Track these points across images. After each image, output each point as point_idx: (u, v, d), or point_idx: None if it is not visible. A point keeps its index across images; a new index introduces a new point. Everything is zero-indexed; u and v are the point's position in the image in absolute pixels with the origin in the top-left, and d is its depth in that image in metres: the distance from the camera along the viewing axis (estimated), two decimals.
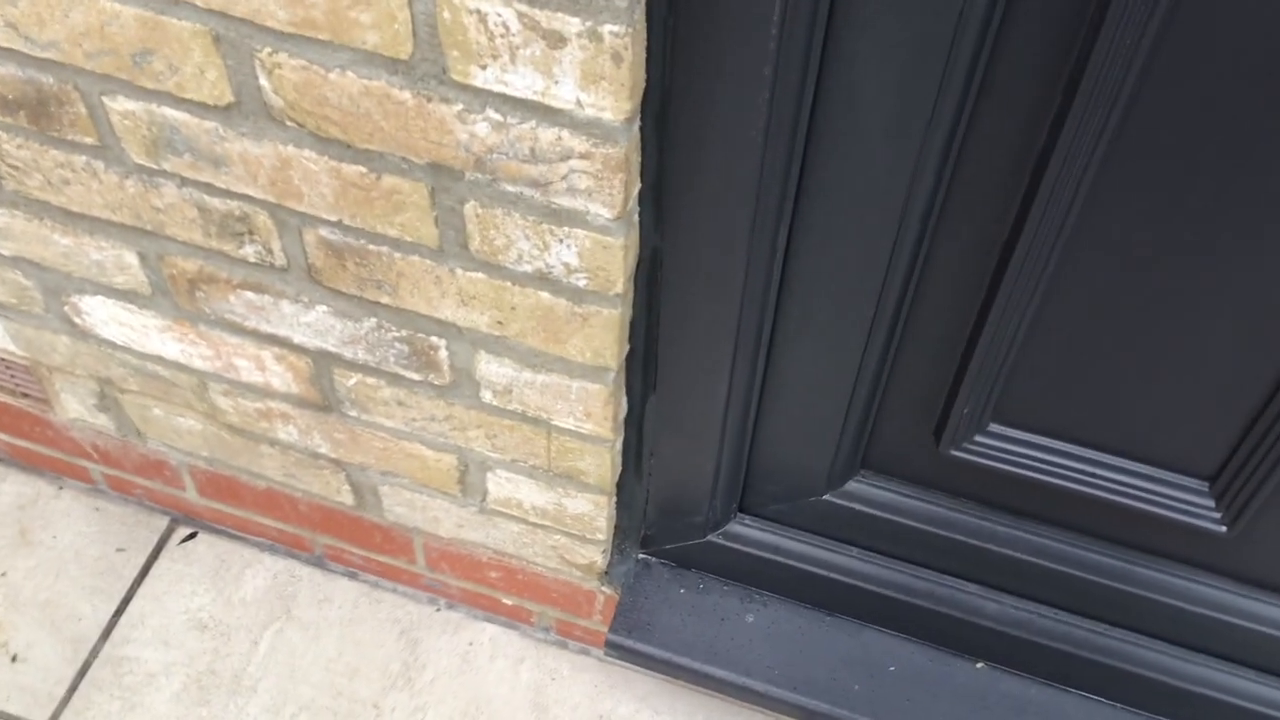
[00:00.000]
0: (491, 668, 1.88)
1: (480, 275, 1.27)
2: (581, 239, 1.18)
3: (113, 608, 1.92)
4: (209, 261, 1.40)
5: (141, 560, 1.97)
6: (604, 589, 1.75)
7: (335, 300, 1.38)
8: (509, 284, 1.26)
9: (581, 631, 1.88)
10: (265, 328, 1.47)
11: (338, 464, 1.70)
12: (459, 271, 1.27)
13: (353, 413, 1.57)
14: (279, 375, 1.55)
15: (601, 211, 1.14)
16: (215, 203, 1.31)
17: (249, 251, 1.36)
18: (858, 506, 1.53)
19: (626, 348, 1.34)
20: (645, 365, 1.41)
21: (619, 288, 1.22)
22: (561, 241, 1.19)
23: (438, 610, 1.94)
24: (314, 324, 1.43)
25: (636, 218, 1.19)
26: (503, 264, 1.24)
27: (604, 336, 1.28)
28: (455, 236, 1.23)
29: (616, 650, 1.67)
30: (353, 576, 1.96)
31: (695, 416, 1.43)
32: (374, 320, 1.39)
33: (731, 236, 1.18)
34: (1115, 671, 1.56)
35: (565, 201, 1.14)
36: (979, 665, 1.64)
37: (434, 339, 1.38)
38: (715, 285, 1.24)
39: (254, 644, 1.89)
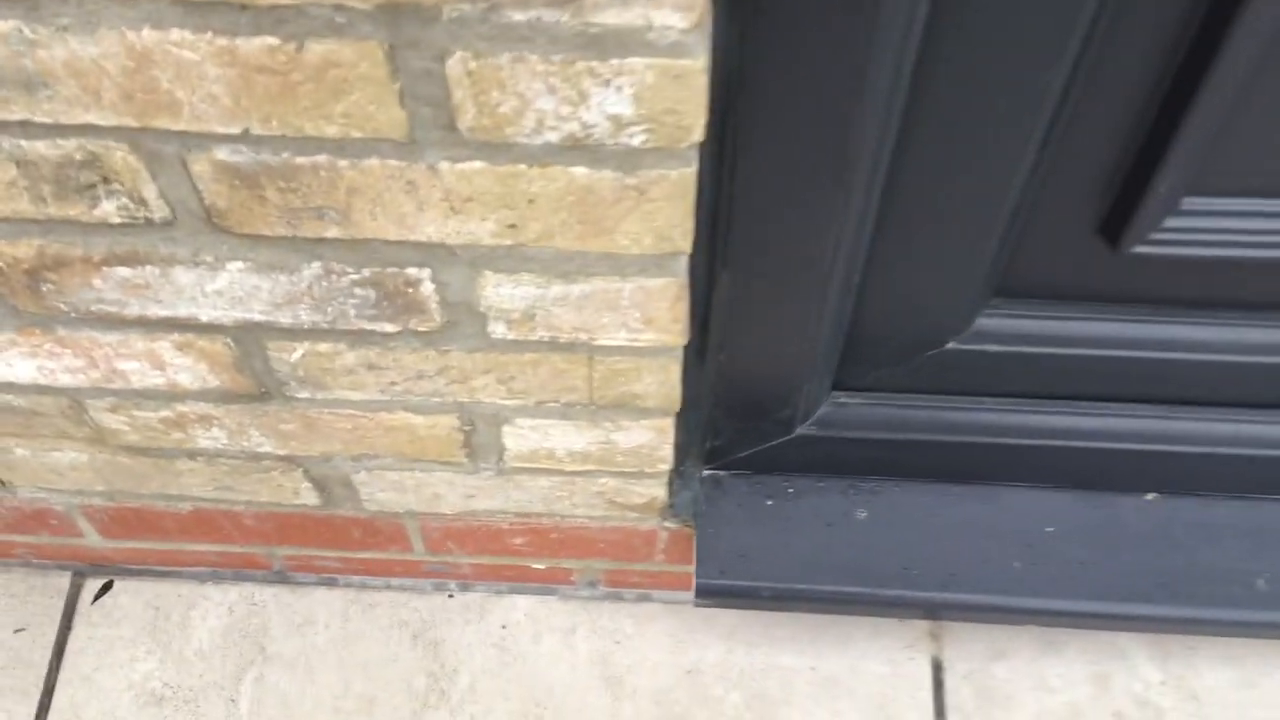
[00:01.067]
0: (539, 650, 1.53)
1: (479, 164, 0.87)
2: (640, 73, 0.78)
3: (32, 709, 1.50)
4: (51, 237, 0.96)
5: (51, 636, 1.55)
6: (667, 524, 1.41)
7: (255, 250, 0.97)
8: (523, 168, 0.87)
9: (639, 577, 1.54)
10: (155, 311, 1.05)
11: (290, 461, 1.30)
12: (444, 167, 0.87)
13: (303, 394, 1.16)
14: (188, 370, 1.13)
15: (672, 21, 0.75)
16: (41, 148, 0.87)
17: (109, 209, 0.93)
18: (991, 348, 1.20)
19: (694, 218, 0.96)
20: (714, 235, 1.03)
21: (696, 134, 0.84)
22: (608, 84, 0.79)
23: (450, 596, 1.58)
24: (227, 290, 1.01)
25: (711, 25, 0.80)
26: (513, 140, 0.84)
27: (671, 210, 0.91)
28: (434, 115, 0.82)
29: (712, 596, 1.34)
30: (331, 584, 1.58)
31: (788, 284, 1.07)
32: (318, 266, 0.98)
33: (855, 13, 0.80)
34: None
35: (612, 18, 0.75)
36: (1150, 497, 1.36)
37: (412, 271, 0.98)
38: (823, 94, 0.87)
39: (231, 703, 1.50)
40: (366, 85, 0.80)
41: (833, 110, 0.88)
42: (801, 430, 1.30)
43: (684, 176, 0.88)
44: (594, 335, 1.06)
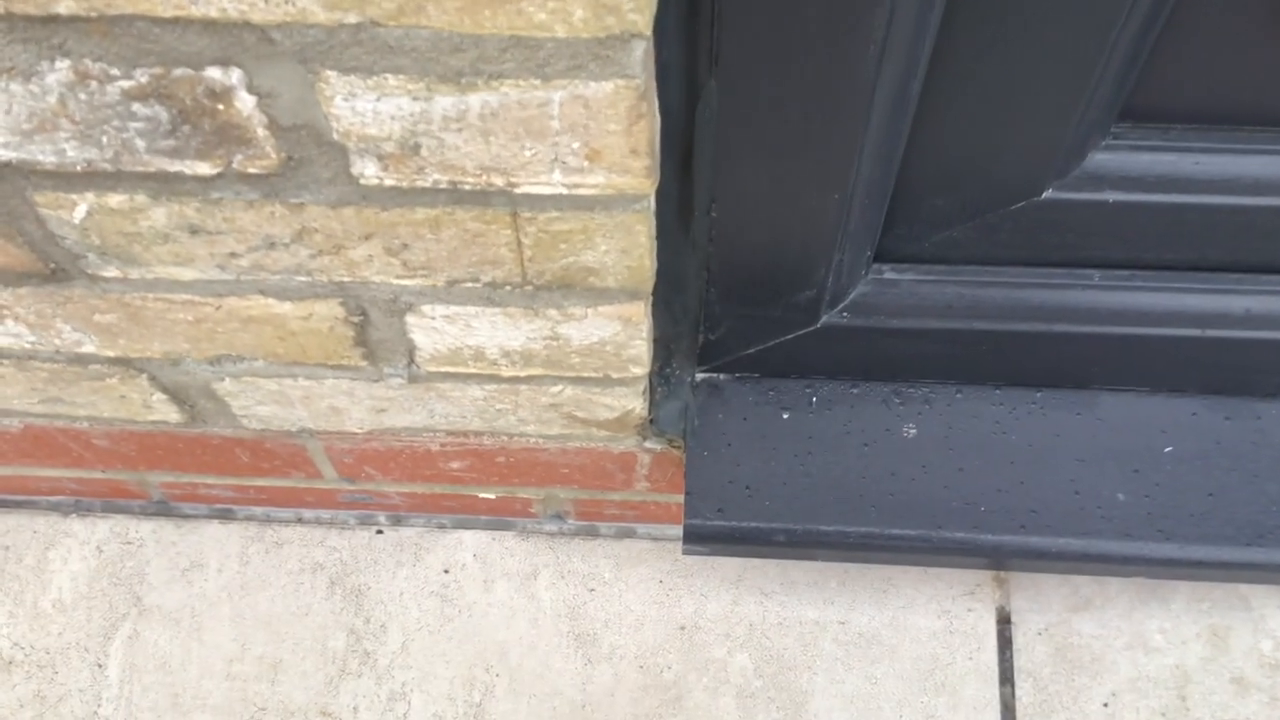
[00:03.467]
0: (490, 600, 1.21)
1: None
2: None
3: None
4: None
5: None
6: (649, 444, 1.06)
7: None
8: None
9: (617, 507, 1.20)
10: None
11: (126, 364, 0.96)
12: None
13: (110, 272, 0.82)
14: None
15: None
16: None
17: None
18: (1110, 196, 0.84)
19: None
20: (692, 14, 0.67)
21: None
22: None
23: (378, 533, 1.24)
24: None
25: None
26: None
27: None
28: None
29: (705, 542, 1.00)
30: (226, 516, 1.25)
31: (810, 96, 0.70)
32: (65, 66, 0.63)
33: None
34: None
35: None
36: None
37: (213, 74, 0.63)
38: None
39: (98, 668, 1.18)
40: None
41: None
42: (830, 318, 0.94)
43: None
44: (514, 179, 0.70)
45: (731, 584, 1.21)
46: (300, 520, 1.25)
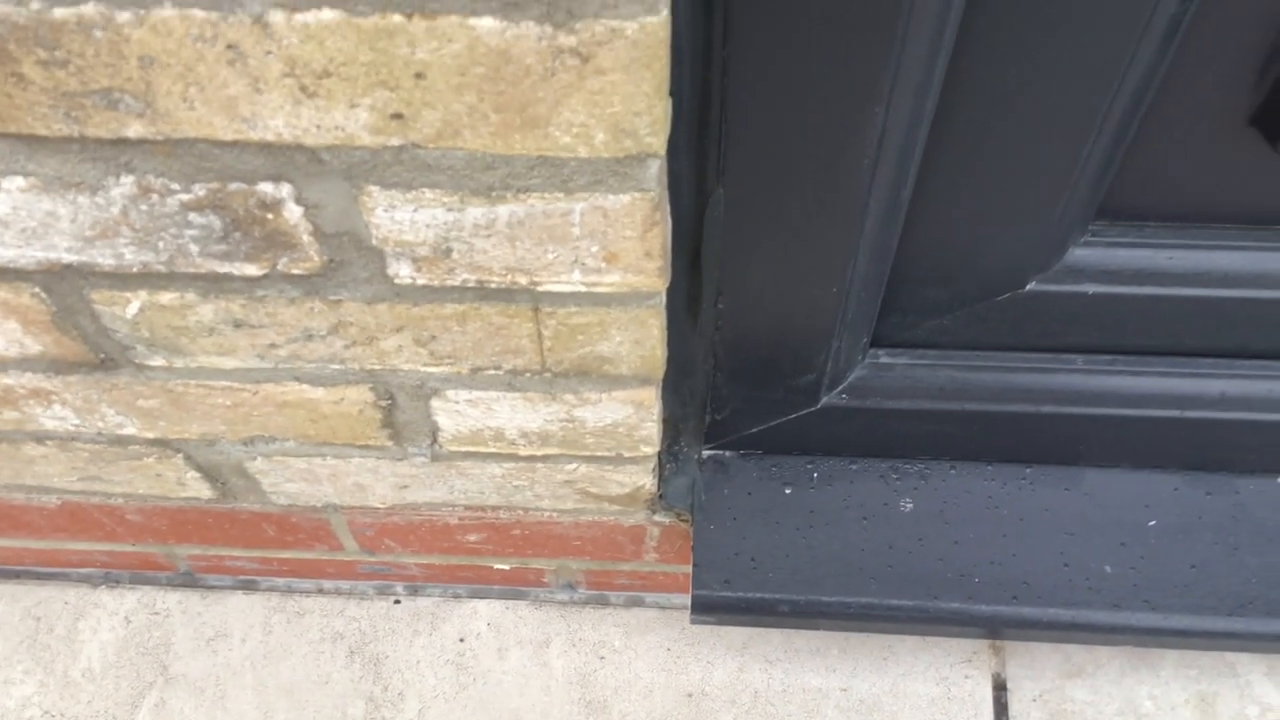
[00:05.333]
0: (504, 668, 1.25)
1: (330, 14, 0.57)
2: None
3: None
4: None
5: None
6: (658, 518, 1.11)
7: (35, 159, 0.67)
8: (399, 19, 0.57)
9: (627, 577, 1.25)
10: None
11: (164, 445, 1.01)
12: (278, 20, 0.57)
13: (156, 361, 0.87)
14: None
15: None
16: None
17: None
18: (1089, 288, 0.90)
19: (669, 101, 0.65)
20: (702, 129, 0.73)
21: None
22: None
23: (396, 602, 1.29)
24: (13, 219, 0.72)
25: None
26: None
27: (631, 87, 0.60)
28: None
29: (712, 612, 1.05)
30: (250, 587, 1.29)
31: (811, 201, 0.76)
32: (129, 181, 0.69)
33: None
34: None
35: None
36: None
37: (265, 188, 0.69)
38: None
39: None
40: None
41: None
42: (829, 400, 1.00)
43: (648, 31, 0.57)
44: (537, 278, 0.76)
45: (737, 652, 1.25)
46: (321, 591, 1.29)
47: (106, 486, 1.10)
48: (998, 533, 1.06)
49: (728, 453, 1.09)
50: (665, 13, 0.57)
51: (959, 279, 0.90)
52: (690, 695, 1.23)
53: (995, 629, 1.04)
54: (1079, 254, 0.88)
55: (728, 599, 1.05)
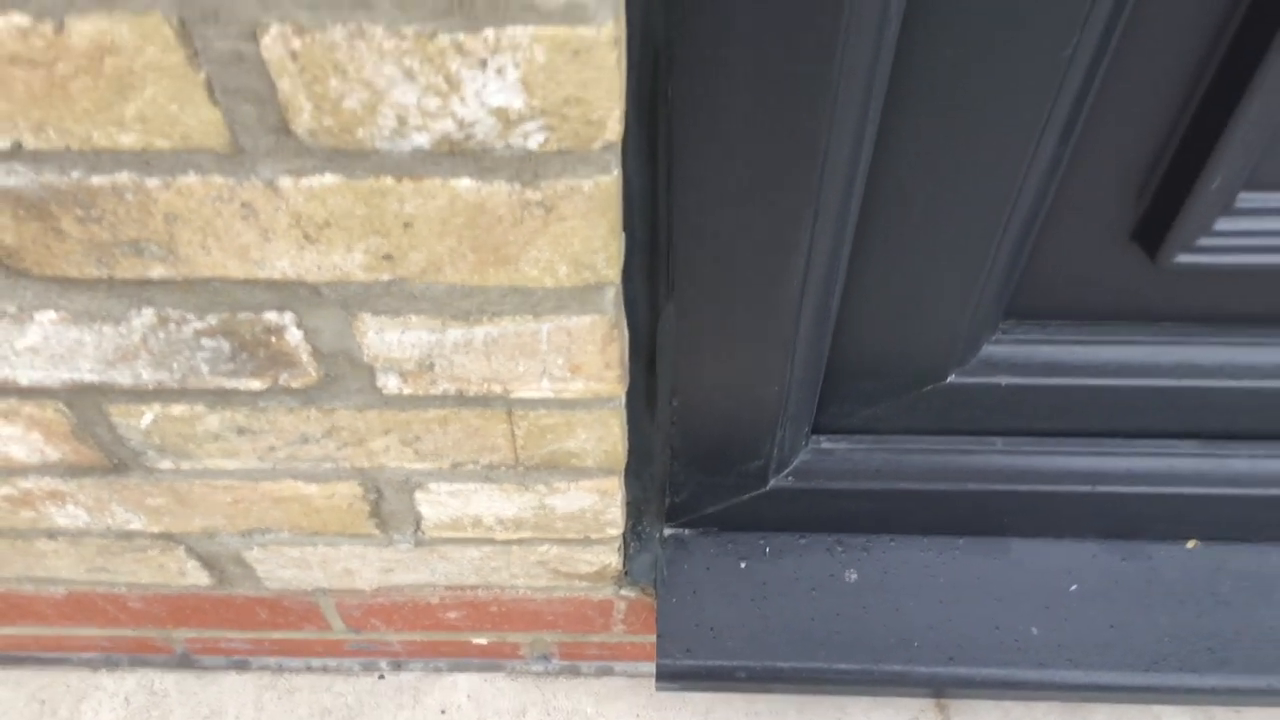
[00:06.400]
0: None
1: (331, 178, 0.66)
2: (525, 47, 0.58)
3: None
4: None
5: None
6: (624, 592, 1.20)
7: (67, 297, 0.76)
8: (390, 181, 0.66)
9: (597, 649, 1.33)
10: None
11: (168, 539, 1.09)
12: (286, 184, 0.66)
13: (165, 464, 0.95)
14: (19, 441, 0.92)
15: None
16: None
17: None
18: (1002, 380, 1.00)
19: (622, 238, 0.75)
20: (652, 256, 0.83)
21: (610, 131, 0.63)
22: (484, 65, 0.59)
23: (380, 678, 1.36)
24: (44, 347, 0.81)
25: None
26: (370, 145, 0.64)
27: (589, 231, 0.70)
28: (260, 115, 0.62)
29: (677, 680, 1.13)
30: (242, 667, 1.37)
31: (749, 313, 0.86)
32: (150, 313, 0.78)
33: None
34: None
35: None
36: (1191, 545, 1.16)
37: (270, 317, 0.78)
38: (783, 68, 0.67)
39: None
40: (160, 77, 0.59)
41: (796, 88, 0.68)
42: (776, 483, 1.09)
43: (601, 187, 0.67)
44: (509, 387, 0.85)
45: (701, 716, 1.33)
46: (309, 668, 1.37)
47: (112, 577, 1.18)
48: (935, 599, 1.15)
49: (687, 531, 1.18)
50: (616, 172, 0.67)
51: (887, 373, 1.00)
52: None
53: (936, 688, 1.13)
54: (991, 350, 0.99)
55: (690, 667, 1.14)
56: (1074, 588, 1.15)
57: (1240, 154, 0.75)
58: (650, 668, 1.35)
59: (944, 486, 1.10)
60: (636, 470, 1.09)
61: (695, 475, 1.08)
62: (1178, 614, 1.14)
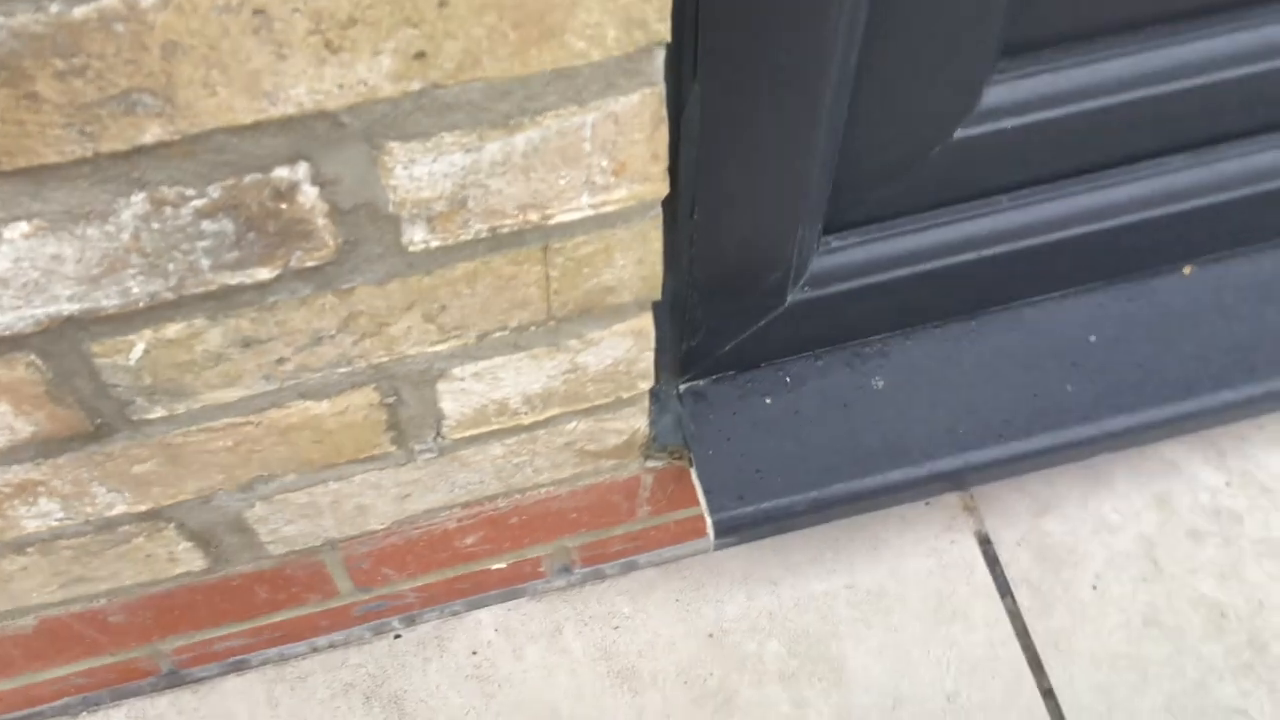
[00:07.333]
0: (525, 665, 1.24)
1: None
2: None
3: None
4: None
5: None
6: (651, 463, 1.13)
7: (42, 194, 0.65)
8: None
9: (619, 543, 1.26)
10: None
11: (155, 517, 0.96)
12: None
13: (155, 413, 0.84)
14: None
15: None
16: None
17: None
18: (1007, 123, 0.97)
19: None
20: (678, 33, 0.76)
21: None
22: None
23: (396, 638, 1.26)
24: (15, 275, 0.69)
25: None
26: None
27: None
28: None
29: (735, 531, 1.07)
30: (242, 667, 1.24)
31: (782, 87, 0.80)
32: (141, 197, 0.67)
33: None
34: None
35: None
36: (1187, 271, 1.16)
37: (281, 173, 0.68)
38: None
39: None
40: None
41: None
42: (794, 296, 1.04)
43: None
44: (548, 210, 0.77)
45: (740, 582, 1.27)
46: (315, 650, 1.25)
47: (89, 588, 1.04)
48: (966, 385, 1.13)
49: (702, 382, 1.12)
50: None
51: (894, 142, 0.96)
52: (711, 635, 1.25)
53: (999, 469, 1.10)
54: (992, 93, 0.96)
55: (746, 514, 1.08)
56: (1093, 338, 1.14)
57: None
58: (675, 552, 1.29)
59: (954, 259, 1.06)
60: (660, 312, 1.02)
61: (714, 305, 1.02)
62: (1194, 337, 1.14)
